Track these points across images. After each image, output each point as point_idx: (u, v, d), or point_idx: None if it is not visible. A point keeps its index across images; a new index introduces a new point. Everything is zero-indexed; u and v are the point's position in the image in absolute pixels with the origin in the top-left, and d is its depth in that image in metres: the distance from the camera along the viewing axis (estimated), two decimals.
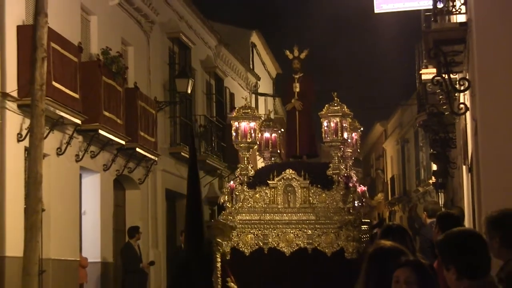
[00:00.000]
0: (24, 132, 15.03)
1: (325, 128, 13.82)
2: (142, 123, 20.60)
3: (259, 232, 13.74)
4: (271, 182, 13.81)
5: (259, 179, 14.06)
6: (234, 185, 14.03)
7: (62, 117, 16.11)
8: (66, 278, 16.90)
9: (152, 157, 21.61)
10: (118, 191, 21.31)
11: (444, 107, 14.46)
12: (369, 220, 15.41)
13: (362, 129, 16.19)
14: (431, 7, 11.79)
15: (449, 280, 4.72)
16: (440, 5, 11.19)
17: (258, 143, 14.84)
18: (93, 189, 19.37)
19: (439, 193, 27.63)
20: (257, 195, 13.92)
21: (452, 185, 23.98)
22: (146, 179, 22.14)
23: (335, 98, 13.86)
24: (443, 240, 4.87)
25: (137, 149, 20.37)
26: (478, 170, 10.03)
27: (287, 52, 15.45)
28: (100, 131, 17.94)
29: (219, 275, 7.98)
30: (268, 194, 13.89)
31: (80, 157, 17.96)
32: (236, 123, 14.36)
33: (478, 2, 9.53)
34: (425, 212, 14.16)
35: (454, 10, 11.07)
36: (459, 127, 17.00)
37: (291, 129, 15.40)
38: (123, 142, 19.29)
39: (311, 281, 13.15)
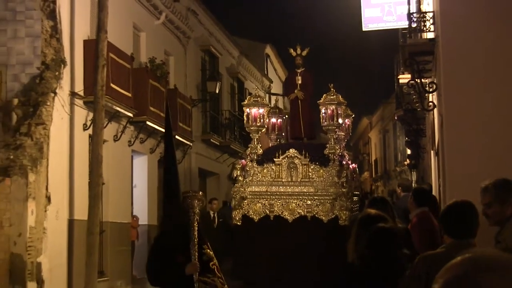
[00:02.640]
0: (88, 123, 15.09)
1: (323, 114, 13.49)
2: (180, 116, 20.62)
3: (266, 202, 13.38)
4: (276, 159, 13.41)
5: (267, 157, 13.67)
6: (245, 162, 13.79)
7: (118, 111, 16.18)
8: (120, 236, 16.98)
9: (188, 142, 21.65)
10: (161, 169, 21.29)
11: (417, 104, 14.42)
12: (358, 193, 15.20)
13: (353, 115, 15.85)
14: (407, 26, 11.76)
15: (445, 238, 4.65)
16: (414, 25, 11.16)
17: (266, 126, 14.50)
18: (142, 167, 19.45)
19: (412, 172, 27.57)
20: (264, 171, 13.54)
21: (422, 166, 23.94)
22: (183, 160, 22.17)
23: (332, 89, 13.55)
24: (444, 209, 4.77)
25: (176, 137, 20.35)
26: (443, 154, 10.02)
27: (291, 50, 15.01)
28: (148, 122, 18.01)
29: (196, 243, 6.79)
30: (274, 170, 13.51)
31: (132, 142, 18.03)
32: (247, 109, 14.03)
33: (444, 23, 9.51)
34: (399, 188, 13.99)
35: (425, 28, 11.03)
36: (429, 120, 16.96)
37: (295, 115, 14.94)
38: None
39: (310, 244, 12.78)
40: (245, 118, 14.09)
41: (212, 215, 16.58)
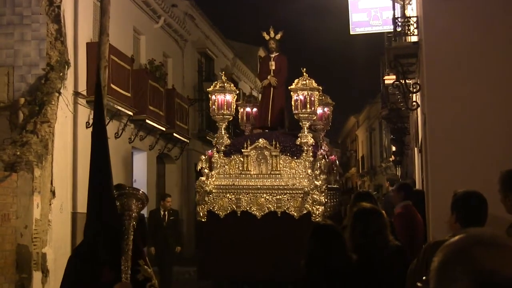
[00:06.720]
0: (91, 121, 15.07)
1: (295, 101, 11.79)
2: (178, 115, 20.64)
3: (233, 196, 11.75)
4: (244, 150, 11.82)
5: (234, 147, 12.03)
6: (212, 153, 12.04)
7: (118, 110, 16.17)
8: None
9: (185, 140, 21.66)
10: (160, 165, 21.37)
11: (401, 104, 14.44)
12: (337, 186, 13.76)
13: (334, 104, 14.19)
14: (392, 30, 11.77)
15: (450, 223, 4.55)
16: (398, 29, 11.18)
17: (234, 115, 12.78)
18: (141, 163, 19.44)
19: (397, 168, 27.66)
20: (232, 163, 11.86)
21: (406, 162, 24.00)
22: (181, 156, 22.19)
23: (304, 74, 11.74)
24: (454, 199, 4.65)
25: (174, 134, 20.42)
26: (426, 151, 10.04)
27: (264, 34, 13.47)
28: (147, 121, 18.01)
29: (129, 257, 4.57)
30: (242, 162, 11.86)
31: (132, 139, 18.02)
32: (213, 96, 12.54)
33: (427, 27, 9.54)
34: (387, 182, 13.65)
35: (409, 32, 11.05)
36: (412, 119, 16.99)
37: (265, 102, 13.24)
38: (164, 129, 19.36)
39: (280, 241, 11.19)
40: (211, 106, 12.38)
41: (162, 213, 14.69)
